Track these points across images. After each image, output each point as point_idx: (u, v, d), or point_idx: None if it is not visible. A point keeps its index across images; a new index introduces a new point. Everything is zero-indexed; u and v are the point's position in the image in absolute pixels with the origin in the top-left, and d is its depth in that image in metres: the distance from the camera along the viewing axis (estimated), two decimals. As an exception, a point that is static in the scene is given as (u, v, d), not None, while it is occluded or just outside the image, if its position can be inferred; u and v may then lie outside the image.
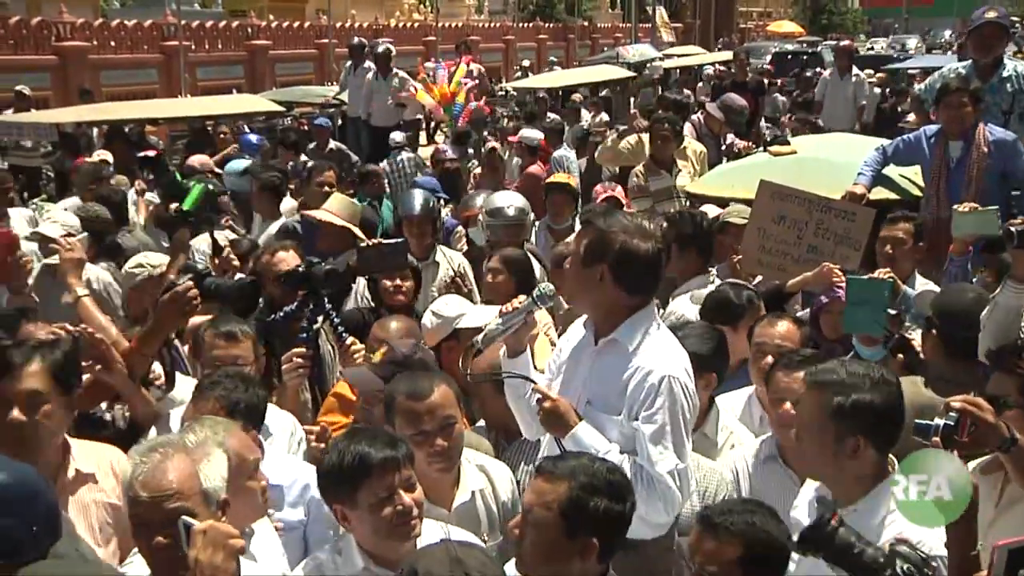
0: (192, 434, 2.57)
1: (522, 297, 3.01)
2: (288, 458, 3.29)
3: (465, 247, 6.47)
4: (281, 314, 4.09)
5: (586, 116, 14.03)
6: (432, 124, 18.25)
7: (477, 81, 14.75)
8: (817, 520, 2.22)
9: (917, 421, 2.32)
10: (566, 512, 2.35)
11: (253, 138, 11.85)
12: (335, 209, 5.27)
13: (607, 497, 2.37)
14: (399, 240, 4.87)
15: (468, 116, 13.64)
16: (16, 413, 2.78)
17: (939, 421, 2.29)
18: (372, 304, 4.91)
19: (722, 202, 6.07)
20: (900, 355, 3.70)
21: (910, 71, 18.39)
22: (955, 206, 4.71)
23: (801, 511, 2.77)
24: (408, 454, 2.59)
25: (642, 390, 2.83)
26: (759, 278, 5.27)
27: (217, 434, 2.62)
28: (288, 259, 4.48)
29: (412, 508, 2.55)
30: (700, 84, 18.25)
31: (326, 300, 4.12)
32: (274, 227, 6.80)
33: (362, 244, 4.70)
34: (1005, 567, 1.88)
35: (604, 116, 15.07)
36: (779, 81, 19.89)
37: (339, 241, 5.22)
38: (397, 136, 11.26)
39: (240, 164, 8.68)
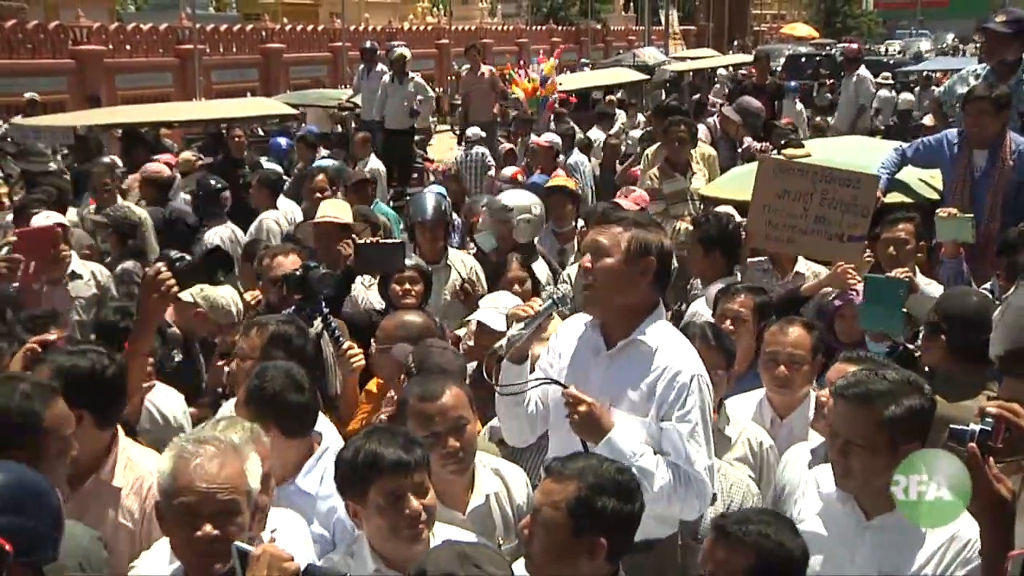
0: (235, 433, 2.56)
1: (538, 301, 2.97)
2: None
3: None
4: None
5: (621, 116, 14.08)
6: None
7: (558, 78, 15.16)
8: None
9: (952, 426, 2.30)
10: (574, 512, 2.34)
11: (282, 141, 11.99)
12: (332, 213, 5.27)
13: (615, 497, 2.36)
14: (399, 240, 4.85)
15: (552, 108, 13.92)
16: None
17: (975, 426, 2.27)
18: (383, 305, 4.91)
19: (737, 205, 6.04)
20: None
21: (925, 73, 18.37)
22: (937, 210, 4.76)
23: (811, 504, 2.75)
24: (423, 458, 2.59)
25: (673, 390, 2.84)
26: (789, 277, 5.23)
27: (252, 439, 2.62)
28: (287, 263, 4.47)
29: (420, 513, 2.53)
30: (717, 86, 18.21)
31: (323, 303, 4.12)
32: (254, 225, 7.19)
33: (361, 242, 4.70)
34: None
35: (640, 117, 15.12)
36: (827, 82, 19.91)
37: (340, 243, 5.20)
38: (473, 130, 11.45)
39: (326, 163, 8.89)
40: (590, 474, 2.37)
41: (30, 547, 2.18)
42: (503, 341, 2.89)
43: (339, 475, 2.62)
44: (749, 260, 5.26)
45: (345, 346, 3.99)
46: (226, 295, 4.61)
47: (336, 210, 5.33)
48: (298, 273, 4.18)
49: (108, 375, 2.93)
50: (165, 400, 3.76)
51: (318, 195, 6.75)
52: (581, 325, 3.03)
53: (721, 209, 5.78)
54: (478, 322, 4.17)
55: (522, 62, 14.62)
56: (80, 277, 5.50)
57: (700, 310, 4.64)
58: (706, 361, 3.45)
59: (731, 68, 22.22)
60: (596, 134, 12.32)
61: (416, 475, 2.53)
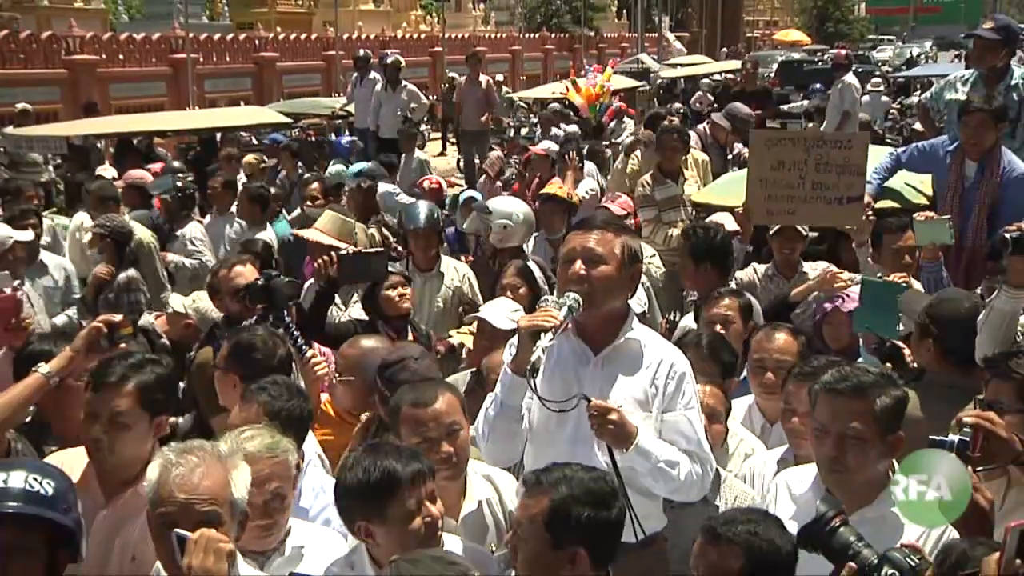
0: (224, 443, 2.59)
1: (555, 312, 2.82)
2: (322, 482, 3.21)
3: None
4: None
5: (630, 125, 14.14)
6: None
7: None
8: (818, 518, 2.21)
9: (931, 437, 2.35)
10: (550, 524, 2.36)
11: (345, 141, 12.08)
12: (324, 227, 5.28)
13: (589, 505, 2.38)
14: (380, 249, 4.84)
15: (611, 115, 14.05)
16: (99, 431, 2.86)
17: (953, 437, 2.31)
18: (366, 316, 4.87)
19: (730, 211, 6.06)
20: (888, 363, 3.68)
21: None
22: (915, 214, 4.82)
23: (784, 509, 2.77)
24: (431, 467, 2.63)
25: (673, 381, 2.95)
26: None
27: (248, 445, 2.67)
28: (246, 273, 4.46)
29: (439, 519, 2.59)
30: (699, 93, 18.28)
31: (285, 312, 4.09)
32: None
33: (343, 253, 4.70)
34: (1016, 547, 1.86)
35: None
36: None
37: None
38: (570, 127, 11.49)
39: (354, 167, 8.84)
40: (563, 485, 2.39)
41: (74, 541, 2.34)
42: (539, 353, 2.75)
43: (351, 499, 2.58)
44: (755, 265, 5.30)
45: (308, 355, 3.96)
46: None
47: (329, 227, 5.34)
48: (260, 282, 4.16)
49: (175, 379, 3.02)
50: None
51: (308, 204, 6.80)
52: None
53: (714, 218, 5.81)
54: (479, 321, 4.16)
55: (516, 69, 14.74)
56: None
57: (692, 324, 4.64)
58: (697, 371, 3.49)
59: (723, 74, 22.30)
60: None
61: (429, 483, 2.58)
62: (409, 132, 11.90)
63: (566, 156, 8.25)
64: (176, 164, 9.98)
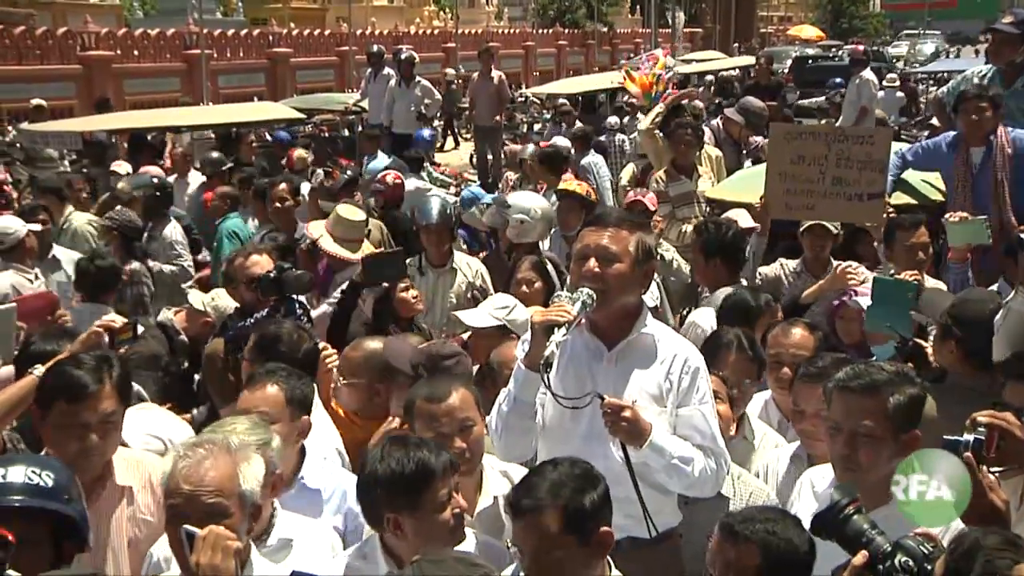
0: (235, 436, 2.60)
1: (568, 307, 2.80)
2: (328, 463, 3.28)
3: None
4: (252, 320, 4.09)
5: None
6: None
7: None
8: (832, 505, 2.20)
9: (945, 437, 2.32)
10: (570, 527, 2.36)
11: (426, 133, 12.26)
12: (329, 225, 5.29)
13: (589, 487, 2.41)
14: (398, 249, 4.84)
15: (665, 100, 14.17)
16: (95, 439, 2.81)
17: (968, 437, 2.29)
18: (374, 319, 4.84)
19: (744, 207, 6.04)
20: (910, 363, 3.64)
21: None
22: (946, 216, 4.78)
23: (806, 506, 2.75)
24: (455, 460, 2.66)
25: (687, 376, 2.94)
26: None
27: (259, 437, 2.67)
28: (262, 263, 4.46)
29: (465, 509, 2.63)
30: (701, 89, 18.20)
31: (296, 304, 4.12)
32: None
33: (365, 256, 4.71)
34: None
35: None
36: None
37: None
38: (612, 119, 11.51)
39: (382, 161, 8.77)
40: (559, 488, 2.39)
41: (82, 530, 2.37)
42: (552, 348, 2.72)
43: (383, 491, 2.54)
44: (783, 261, 5.27)
45: (320, 347, 3.95)
46: (233, 305, 4.63)
47: (332, 225, 5.34)
48: (272, 275, 4.18)
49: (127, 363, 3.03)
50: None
51: (277, 205, 6.63)
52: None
53: (729, 214, 5.79)
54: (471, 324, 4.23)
55: (529, 64, 14.64)
56: None
57: (698, 320, 4.58)
58: (739, 370, 3.46)
59: (738, 70, 22.24)
60: None
61: (456, 475, 2.62)
62: (369, 134, 11.83)
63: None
64: (215, 156, 9.71)
